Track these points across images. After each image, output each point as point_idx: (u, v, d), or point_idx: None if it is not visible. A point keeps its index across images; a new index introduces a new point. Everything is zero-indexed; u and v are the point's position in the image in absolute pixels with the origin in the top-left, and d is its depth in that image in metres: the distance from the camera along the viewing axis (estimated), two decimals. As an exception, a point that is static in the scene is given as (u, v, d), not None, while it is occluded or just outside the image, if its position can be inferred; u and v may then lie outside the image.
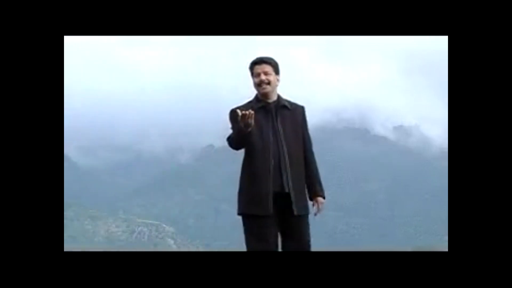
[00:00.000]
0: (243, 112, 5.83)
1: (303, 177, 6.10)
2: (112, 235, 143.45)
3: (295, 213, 5.98)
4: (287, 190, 5.99)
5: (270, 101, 6.09)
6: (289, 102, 6.16)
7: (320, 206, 6.13)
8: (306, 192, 6.14)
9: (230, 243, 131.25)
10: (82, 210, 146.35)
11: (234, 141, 5.96)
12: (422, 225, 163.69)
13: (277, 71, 6.10)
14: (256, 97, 6.12)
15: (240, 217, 6.15)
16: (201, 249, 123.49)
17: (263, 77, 6.04)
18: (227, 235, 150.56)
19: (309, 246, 6.08)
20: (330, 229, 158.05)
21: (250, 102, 6.11)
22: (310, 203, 6.14)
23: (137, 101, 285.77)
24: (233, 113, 5.91)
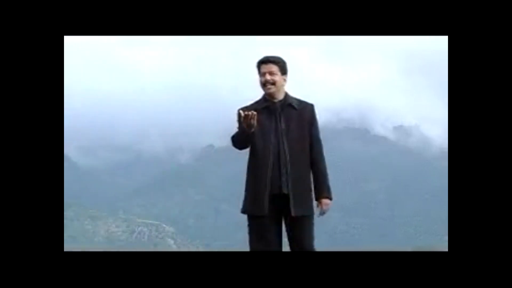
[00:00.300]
0: (246, 113, 5.84)
1: (306, 178, 6.06)
2: (112, 235, 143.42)
3: (293, 214, 5.96)
4: (285, 191, 5.97)
5: (276, 100, 6.08)
6: (298, 100, 6.13)
7: (324, 207, 6.09)
8: (313, 192, 6.09)
9: (230, 243, 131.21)
10: (82, 210, 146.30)
11: (237, 141, 5.98)
12: (422, 225, 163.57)
13: (284, 71, 6.08)
14: (264, 97, 6.11)
15: (240, 217, 6.19)
16: (201, 249, 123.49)
17: (268, 77, 6.03)
18: (227, 235, 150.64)
19: (310, 247, 6.06)
20: (330, 229, 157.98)
21: (257, 102, 6.10)
22: (315, 203, 6.10)
23: (137, 101, 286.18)
24: (238, 114, 5.93)
